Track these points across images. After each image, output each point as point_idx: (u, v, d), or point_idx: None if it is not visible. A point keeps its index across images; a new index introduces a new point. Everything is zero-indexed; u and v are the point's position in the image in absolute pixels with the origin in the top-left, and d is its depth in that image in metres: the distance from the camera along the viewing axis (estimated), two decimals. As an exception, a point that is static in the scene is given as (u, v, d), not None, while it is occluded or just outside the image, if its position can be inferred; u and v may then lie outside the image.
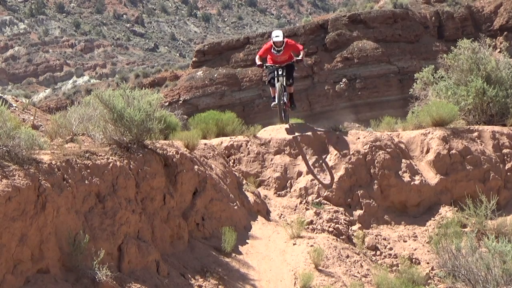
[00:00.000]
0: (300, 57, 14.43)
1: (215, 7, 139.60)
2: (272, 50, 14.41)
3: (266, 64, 14.55)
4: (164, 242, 11.60)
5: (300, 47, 14.86)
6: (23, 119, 14.05)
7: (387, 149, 15.85)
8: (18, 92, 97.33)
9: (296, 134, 16.42)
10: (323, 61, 58.33)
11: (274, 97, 14.55)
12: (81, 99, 14.03)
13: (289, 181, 15.58)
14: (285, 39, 14.35)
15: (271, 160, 15.90)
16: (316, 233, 14.15)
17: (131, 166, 11.22)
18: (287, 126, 15.39)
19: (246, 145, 16.04)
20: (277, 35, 14.34)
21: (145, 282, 10.28)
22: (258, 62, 14.61)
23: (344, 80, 57.50)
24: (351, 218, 15.04)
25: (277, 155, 16.00)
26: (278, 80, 14.35)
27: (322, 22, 60.95)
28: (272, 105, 14.73)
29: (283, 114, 14.72)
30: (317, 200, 15.16)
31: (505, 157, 16.65)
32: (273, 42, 14.31)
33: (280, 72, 14.28)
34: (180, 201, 12.48)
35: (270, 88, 14.77)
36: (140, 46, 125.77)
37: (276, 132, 16.73)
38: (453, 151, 16.16)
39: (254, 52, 59.22)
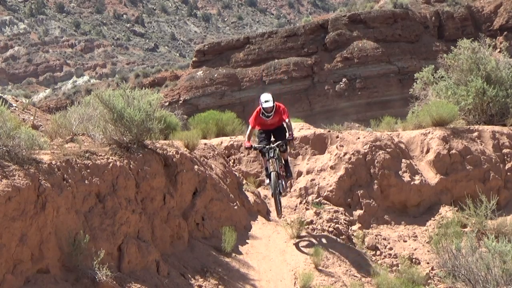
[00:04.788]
0: (291, 134, 13.06)
1: (215, 7, 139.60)
2: (261, 115, 13.05)
3: (255, 146, 13.19)
4: (164, 242, 11.61)
5: (287, 114, 13.31)
6: (23, 119, 14.05)
7: (387, 149, 15.85)
8: (18, 92, 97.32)
9: (296, 134, 16.43)
10: (323, 61, 58.39)
11: (267, 168, 13.15)
12: (81, 99, 13.97)
13: (289, 181, 15.59)
14: (275, 103, 12.98)
15: (271, 160, 15.89)
16: (316, 233, 14.15)
17: (131, 166, 11.22)
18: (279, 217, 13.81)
19: (246, 145, 16.04)
20: (267, 100, 12.89)
21: (145, 282, 10.28)
22: (247, 143, 13.16)
23: (344, 80, 57.52)
24: (351, 218, 15.04)
25: (277, 155, 15.99)
26: (270, 161, 12.93)
27: (322, 22, 61.04)
28: (266, 183, 13.40)
29: (279, 206, 13.22)
30: (317, 200, 15.16)
31: (505, 157, 16.65)
32: (263, 108, 12.92)
33: (272, 155, 12.86)
34: (180, 201, 12.48)
35: (262, 158, 13.45)
36: (140, 46, 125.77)
37: (276, 132, 16.74)
38: (453, 151, 16.17)
39: (254, 52, 59.33)
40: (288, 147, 13.52)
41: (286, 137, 13.13)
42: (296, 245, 13.49)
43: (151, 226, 11.37)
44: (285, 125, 13.27)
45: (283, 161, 13.35)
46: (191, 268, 11.61)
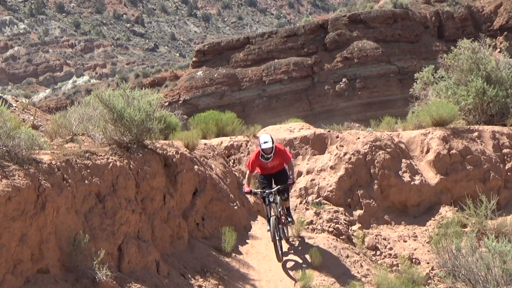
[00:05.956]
0: (292, 178, 12.83)
1: (215, 7, 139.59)
2: (260, 158, 12.65)
3: (255, 190, 12.85)
4: (164, 242, 11.61)
5: (289, 156, 13.13)
6: (23, 119, 14.04)
7: (387, 149, 15.85)
8: (18, 92, 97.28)
9: (296, 134, 16.44)
10: (323, 61, 58.36)
11: (268, 214, 12.78)
12: (81, 99, 13.97)
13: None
14: (274, 144, 12.65)
15: (271, 160, 15.88)
16: (316, 233, 14.15)
17: (131, 166, 11.22)
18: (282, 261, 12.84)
19: (246, 145, 16.05)
20: (266, 141, 12.50)
21: (145, 282, 10.28)
22: (246, 188, 12.81)
23: (344, 80, 57.49)
24: (351, 218, 15.03)
25: (277, 155, 15.99)
26: (270, 206, 12.57)
27: (322, 22, 61.00)
28: (267, 229, 12.88)
29: (279, 251, 12.51)
30: (317, 200, 15.16)
31: (505, 157, 16.65)
32: (262, 149, 12.54)
33: (271, 199, 12.49)
34: (180, 201, 12.48)
35: (264, 206, 13.02)
36: (140, 46, 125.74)
37: (276, 132, 16.73)
38: (453, 151, 16.16)
39: (254, 52, 59.31)
40: (289, 196, 13.16)
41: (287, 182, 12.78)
42: (297, 245, 13.50)
43: (151, 226, 11.37)
44: (286, 168, 12.96)
45: (285, 208, 13.05)
46: (191, 268, 11.61)
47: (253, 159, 12.79)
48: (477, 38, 22.39)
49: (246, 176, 13.01)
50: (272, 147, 12.58)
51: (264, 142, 12.55)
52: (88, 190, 10.18)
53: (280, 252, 12.52)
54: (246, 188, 12.86)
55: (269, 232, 12.59)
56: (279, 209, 12.71)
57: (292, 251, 13.28)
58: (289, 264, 12.82)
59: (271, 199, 12.54)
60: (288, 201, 13.18)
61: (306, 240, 13.64)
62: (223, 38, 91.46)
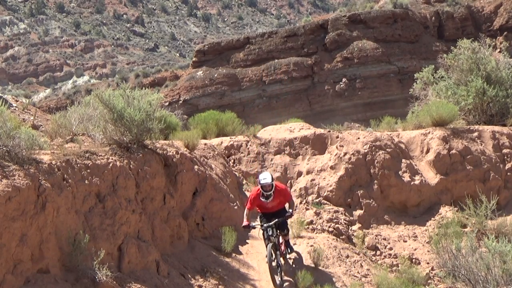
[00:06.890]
0: (291, 212, 12.68)
1: (215, 7, 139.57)
2: (260, 198, 12.48)
3: (253, 224, 12.61)
4: (164, 242, 11.61)
5: (290, 194, 13.06)
6: (23, 119, 14.04)
7: (387, 149, 15.85)
8: (18, 92, 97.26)
9: (296, 134, 16.44)
10: (323, 61, 58.32)
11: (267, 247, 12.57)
12: (81, 99, 13.96)
13: (289, 181, 15.58)
14: (274, 183, 12.50)
15: (271, 160, 15.92)
16: (316, 233, 14.15)
17: (131, 166, 11.22)
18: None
19: (246, 145, 16.06)
20: (265, 177, 12.39)
21: (145, 282, 10.28)
22: (245, 222, 12.49)
23: (344, 80, 57.48)
24: (351, 218, 15.04)
25: (277, 155, 16.02)
26: (269, 240, 12.36)
27: (322, 22, 60.94)
28: (266, 261, 12.48)
29: (276, 278, 12.17)
30: (317, 200, 15.16)
31: (505, 157, 16.65)
32: (261, 186, 12.37)
33: (270, 233, 12.33)
34: (180, 201, 12.48)
35: (263, 240, 12.76)
36: (140, 46, 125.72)
37: (276, 132, 16.74)
38: (453, 151, 16.16)
39: (254, 52, 59.31)
40: (289, 231, 13.06)
41: (286, 214, 12.63)
42: (296, 245, 13.49)
43: (151, 226, 11.37)
44: (286, 206, 12.81)
45: (284, 241, 12.97)
46: (191, 268, 11.61)
47: (251, 198, 12.65)
48: (477, 38, 22.40)
49: (245, 212, 12.80)
50: (272, 184, 12.45)
51: (263, 179, 12.46)
52: (88, 190, 10.18)
53: (277, 279, 12.23)
54: (244, 223, 12.62)
55: (267, 264, 12.34)
56: (278, 240, 12.60)
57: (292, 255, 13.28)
58: (289, 264, 12.82)
59: (270, 233, 12.43)
60: (288, 235, 13.11)
61: (306, 240, 13.64)
62: (223, 38, 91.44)
